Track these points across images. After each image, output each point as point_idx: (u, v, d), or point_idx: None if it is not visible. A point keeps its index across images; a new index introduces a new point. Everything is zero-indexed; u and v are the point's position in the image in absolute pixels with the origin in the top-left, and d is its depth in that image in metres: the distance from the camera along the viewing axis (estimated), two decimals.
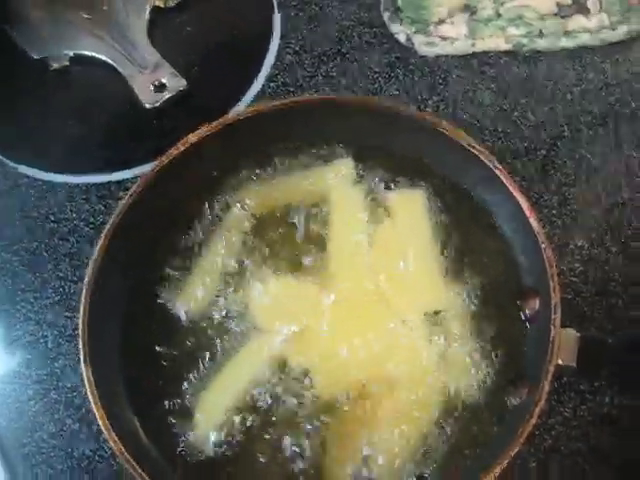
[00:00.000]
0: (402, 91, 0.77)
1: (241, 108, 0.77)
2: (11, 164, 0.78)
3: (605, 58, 0.76)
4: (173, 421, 0.61)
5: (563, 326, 0.57)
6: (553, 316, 0.57)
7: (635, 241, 0.69)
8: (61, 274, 0.72)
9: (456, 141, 0.64)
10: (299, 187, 0.69)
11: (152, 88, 0.78)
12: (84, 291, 0.60)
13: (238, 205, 0.68)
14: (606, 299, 0.67)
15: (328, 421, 0.60)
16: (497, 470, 0.53)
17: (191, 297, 0.65)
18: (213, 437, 0.60)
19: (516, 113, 0.75)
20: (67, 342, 0.69)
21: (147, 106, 0.78)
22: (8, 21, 0.85)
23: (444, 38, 0.77)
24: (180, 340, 0.64)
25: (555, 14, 0.77)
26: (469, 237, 0.66)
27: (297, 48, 0.81)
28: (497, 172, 0.63)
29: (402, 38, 0.78)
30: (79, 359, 0.66)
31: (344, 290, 0.64)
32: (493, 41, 0.77)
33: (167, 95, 0.78)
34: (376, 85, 0.78)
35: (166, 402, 0.61)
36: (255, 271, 0.65)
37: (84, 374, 0.58)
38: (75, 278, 0.72)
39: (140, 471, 0.55)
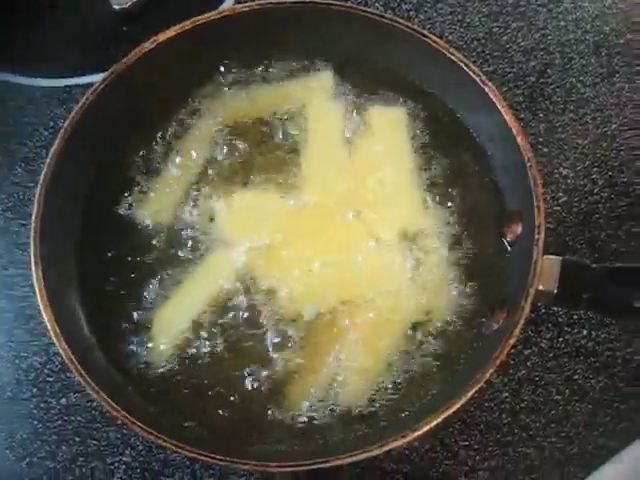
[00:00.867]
0: (387, 7, 0.73)
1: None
2: None
3: None
4: (130, 335, 0.57)
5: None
6: (536, 236, 0.55)
7: (621, 174, 0.66)
8: (15, 179, 0.68)
9: (444, 56, 0.61)
10: (274, 98, 0.65)
11: None
12: (38, 191, 0.56)
13: (208, 113, 0.64)
14: (589, 230, 0.64)
15: (293, 336, 0.57)
16: (470, 393, 0.51)
17: (154, 205, 0.61)
18: (170, 352, 0.56)
19: (506, 37, 0.72)
20: (20, 250, 0.65)
21: (116, 7, 0.73)
22: None
23: None
24: (140, 250, 0.60)
25: None
26: (451, 158, 0.62)
27: None
28: (486, 89, 0.59)
29: None
30: (30, 269, 0.64)
31: (317, 204, 0.61)
32: None
33: None
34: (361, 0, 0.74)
35: (123, 315, 0.58)
36: (223, 182, 0.62)
37: (35, 280, 0.54)
38: (31, 184, 0.67)
39: (89, 381, 0.52)
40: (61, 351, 0.52)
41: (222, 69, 0.65)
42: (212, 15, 0.63)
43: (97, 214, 0.61)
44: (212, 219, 0.60)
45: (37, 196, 0.56)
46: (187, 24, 0.62)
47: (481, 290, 0.58)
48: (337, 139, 0.63)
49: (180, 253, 0.59)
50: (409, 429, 0.51)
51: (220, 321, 0.57)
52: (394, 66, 0.64)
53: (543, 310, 0.62)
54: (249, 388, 0.56)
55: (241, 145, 0.63)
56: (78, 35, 0.73)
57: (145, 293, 0.58)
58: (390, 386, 0.55)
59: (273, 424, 0.55)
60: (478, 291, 0.58)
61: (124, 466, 0.58)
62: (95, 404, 0.60)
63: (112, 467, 0.58)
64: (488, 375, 0.51)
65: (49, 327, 0.53)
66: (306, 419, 0.55)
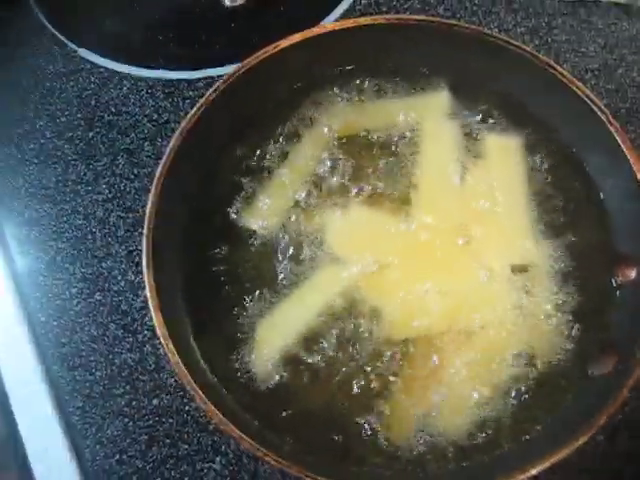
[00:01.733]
0: (502, 30, 0.72)
1: (332, 18, 0.72)
2: (72, 46, 0.72)
3: None
4: (233, 345, 0.57)
5: None
6: None
7: None
8: (117, 170, 0.67)
9: (568, 88, 0.60)
10: (389, 113, 0.64)
11: None
12: (153, 190, 0.56)
13: (322, 123, 0.63)
14: None
15: (396, 360, 0.56)
16: (580, 441, 0.50)
17: (262, 211, 0.60)
18: (272, 366, 0.56)
19: (620, 70, 0.70)
20: (117, 243, 0.64)
21: (227, 4, 0.72)
22: None
23: None
24: (247, 259, 0.59)
25: None
26: (565, 193, 0.61)
27: None
28: (611, 128, 0.58)
29: None
30: (129, 263, 0.64)
31: (428, 227, 0.60)
32: None
33: None
34: (474, 19, 0.73)
35: (226, 324, 0.57)
36: (333, 197, 0.61)
37: (146, 279, 0.53)
38: (132, 176, 0.67)
39: (194, 384, 0.52)
40: (169, 354, 0.52)
41: (339, 79, 0.64)
42: (335, 25, 0.62)
43: (204, 216, 0.60)
44: (321, 232, 0.60)
45: (151, 195, 0.55)
46: (310, 32, 0.61)
47: (587, 330, 0.58)
48: (451, 162, 0.62)
49: (287, 263, 0.59)
50: (515, 469, 0.51)
51: (324, 338, 0.56)
52: (512, 92, 0.63)
53: None
54: (349, 410, 0.55)
55: (352, 158, 0.62)
56: (186, 30, 0.72)
57: (250, 302, 0.58)
58: (491, 421, 0.55)
59: (372, 449, 0.55)
60: (584, 331, 0.57)
61: (213, 473, 0.58)
62: (188, 408, 0.59)
63: (201, 473, 0.58)
64: (600, 424, 0.51)
65: (159, 332, 0.52)
66: (405, 446, 0.54)
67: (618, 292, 0.58)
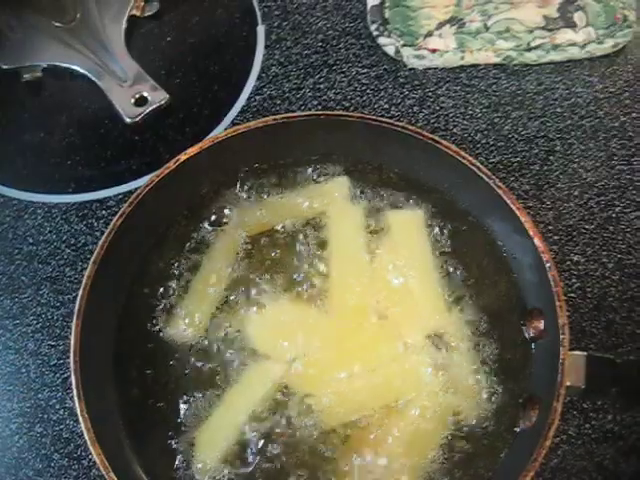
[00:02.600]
0: (392, 104, 0.76)
1: (227, 122, 0.75)
2: None
3: (592, 72, 0.76)
4: (175, 455, 0.58)
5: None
6: (561, 337, 0.57)
7: (629, 255, 0.69)
8: (42, 300, 0.69)
9: (455, 159, 0.63)
10: (293, 205, 0.67)
11: (133, 101, 0.75)
12: (74, 323, 0.57)
13: (230, 225, 0.66)
14: (604, 315, 0.66)
15: (334, 447, 0.58)
16: None
17: (184, 323, 0.63)
18: (214, 472, 0.58)
19: (507, 127, 0.74)
20: (52, 372, 0.66)
21: (128, 121, 0.74)
22: None
23: (433, 51, 0.76)
24: (174, 367, 0.61)
25: (542, 27, 0.77)
26: (470, 258, 0.64)
27: (282, 60, 0.78)
28: (500, 192, 0.62)
29: (391, 51, 0.77)
30: (65, 390, 0.65)
31: (345, 312, 0.63)
32: (482, 54, 0.76)
33: (149, 109, 0.74)
34: (364, 98, 0.76)
35: (164, 435, 0.59)
36: (250, 294, 0.63)
37: (79, 412, 0.55)
38: (57, 304, 0.68)
39: None
40: None
41: (240, 181, 0.67)
42: (228, 132, 0.65)
43: (131, 333, 0.62)
44: (243, 331, 0.62)
45: (74, 323, 0.57)
46: (207, 142, 0.64)
47: (507, 386, 0.60)
48: (358, 243, 0.65)
49: (216, 368, 0.61)
50: None
51: (262, 433, 0.58)
52: (406, 168, 0.67)
53: (567, 398, 0.64)
54: None
55: (264, 254, 0.65)
56: (93, 150, 0.75)
57: (185, 413, 0.59)
58: None
59: None
60: (505, 387, 0.60)
61: None
62: None
63: None
64: (529, 477, 0.53)
65: (97, 460, 0.53)
66: None
67: (533, 345, 0.62)
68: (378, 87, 0.77)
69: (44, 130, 0.76)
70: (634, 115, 0.75)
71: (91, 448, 0.54)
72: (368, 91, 0.77)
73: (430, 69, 0.77)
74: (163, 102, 0.75)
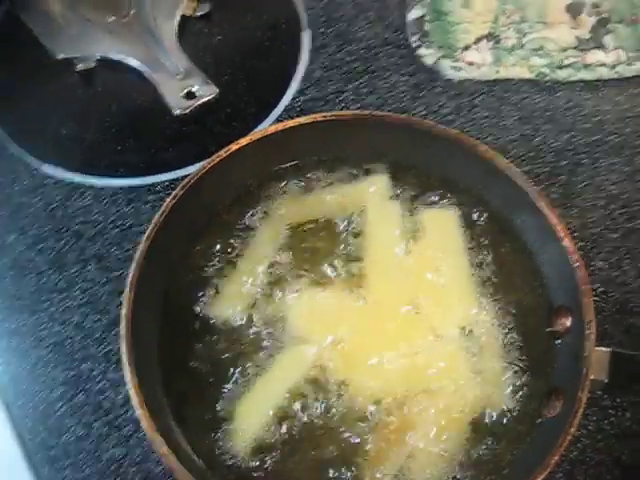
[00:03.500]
0: (429, 112, 0.80)
1: (272, 119, 0.78)
2: (35, 163, 0.77)
3: (621, 91, 0.80)
4: (213, 430, 0.61)
5: None
6: (587, 332, 0.60)
7: None
8: (88, 276, 0.72)
9: (491, 163, 0.67)
10: (335, 200, 0.70)
11: (182, 95, 0.78)
12: (126, 294, 0.60)
13: (274, 216, 0.69)
14: (625, 319, 0.70)
15: (364, 432, 0.61)
16: (540, 478, 0.55)
17: (227, 305, 0.66)
18: (251, 447, 0.60)
19: (537, 139, 0.78)
20: (95, 345, 0.69)
21: (177, 113, 0.78)
22: (28, 16, 0.84)
23: (470, 63, 0.80)
24: (216, 349, 0.64)
25: (575, 47, 0.81)
26: (500, 256, 0.68)
27: (326, 64, 0.82)
28: (533, 195, 0.65)
29: (429, 61, 0.81)
30: (107, 362, 0.68)
31: (380, 301, 0.66)
32: (516, 69, 0.80)
33: (198, 102, 0.78)
34: (403, 104, 0.80)
35: (204, 410, 0.62)
36: (291, 282, 0.66)
37: (127, 375, 0.57)
38: (103, 280, 0.71)
39: (183, 470, 0.55)
40: (155, 445, 0.55)
41: (287, 174, 0.70)
42: (278, 126, 0.68)
43: (175, 315, 0.65)
44: (283, 316, 0.65)
45: (126, 298, 0.60)
46: (257, 134, 0.68)
47: (533, 378, 0.63)
48: (394, 240, 0.68)
49: (255, 350, 0.63)
50: None
51: (296, 416, 0.61)
52: (443, 170, 0.70)
53: (588, 394, 0.67)
54: None
55: (305, 244, 0.68)
56: (141, 138, 0.78)
57: (226, 388, 0.62)
58: (458, 473, 0.60)
59: None
60: (530, 379, 0.63)
61: None
62: None
63: None
64: (553, 462, 0.56)
65: (143, 423, 0.56)
66: None
67: (558, 340, 0.65)
68: (416, 95, 0.81)
69: (95, 118, 0.80)
70: None
71: (137, 410, 0.56)
72: (407, 98, 0.81)
73: (466, 80, 0.81)
74: (212, 96, 0.78)
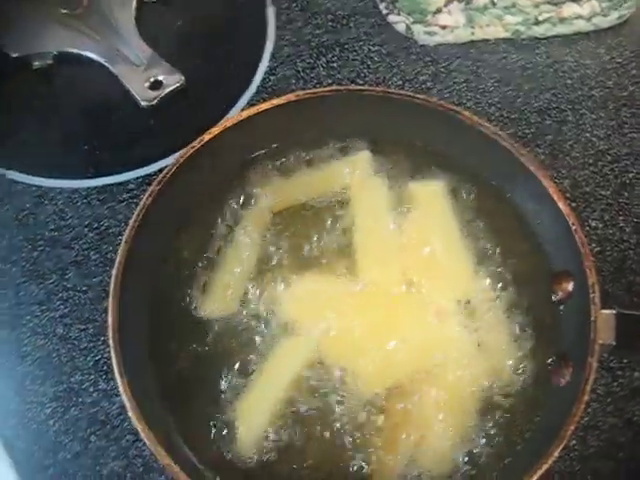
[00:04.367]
0: (405, 81, 0.77)
1: (243, 102, 0.75)
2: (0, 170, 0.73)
3: (599, 43, 0.78)
4: (213, 431, 0.59)
5: None
6: (591, 295, 0.58)
7: None
8: (68, 284, 0.68)
9: (476, 129, 0.65)
10: (317, 181, 0.67)
11: (147, 85, 0.75)
12: (110, 303, 0.57)
13: (257, 204, 0.66)
14: (625, 277, 0.68)
15: (371, 420, 0.59)
16: (557, 450, 0.54)
17: (217, 299, 0.63)
18: (255, 444, 0.58)
19: (520, 100, 0.76)
20: (82, 356, 0.66)
21: (144, 105, 0.75)
22: None
23: (443, 27, 0.77)
24: (210, 344, 0.61)
25: (548, 2, 0.79)
26: (494, 225, 0.65)
27: (294, 40, 0.79)
28: (522, 159, 0.63)
29: (401, 28, 0.78)
30: (97, 373, 0.65)
31: (373, 282, 0.63)
32: (491, 29, 0.78)
33: (164, 92, 0.75)
34: (378, 75, 0.77)
35: (203, 411, 0.59)
36: (279, 269, 0.64)
37: (120, 387, 0.55)
38: (84, 287, 0.68)
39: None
40: (158, 456, 0.53)
41: (266, 158, 0.67)
42: (251, 111, 0.65)
43: (165, 311, 0.62)
44: (276, 306, 0.62)
45: (110, 306, 0.57)
46: (230, 120, 0.65)
47: (539, 347, 0.61)
48: (383, 215, 0.66)
49: (249, 342, 0.61)
50: None
51: (298, 409, 0.59)
52: (427, 141, 0.67)
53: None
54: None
55: (293, 229, 0.65)
56: (109, 135, 0.75)
57: (224, 387, 0.59)
58: (472, 451, 0.58)
59: None
60: (536, 348, 0.61)
61: None
62: None
63: None
64: (570, 432, 0.55)
65: (143, 436, 0.53)
66: None
67: (561, 307, 0.63)
68: (391, 64, 0.78)
69: (58, 117, 0.76)
70: None
71: (136, 424, 0.54)
72: (381, 68, 0.78)
73: (441, 45, 0.79)
74: (179, 84, 0.75)
